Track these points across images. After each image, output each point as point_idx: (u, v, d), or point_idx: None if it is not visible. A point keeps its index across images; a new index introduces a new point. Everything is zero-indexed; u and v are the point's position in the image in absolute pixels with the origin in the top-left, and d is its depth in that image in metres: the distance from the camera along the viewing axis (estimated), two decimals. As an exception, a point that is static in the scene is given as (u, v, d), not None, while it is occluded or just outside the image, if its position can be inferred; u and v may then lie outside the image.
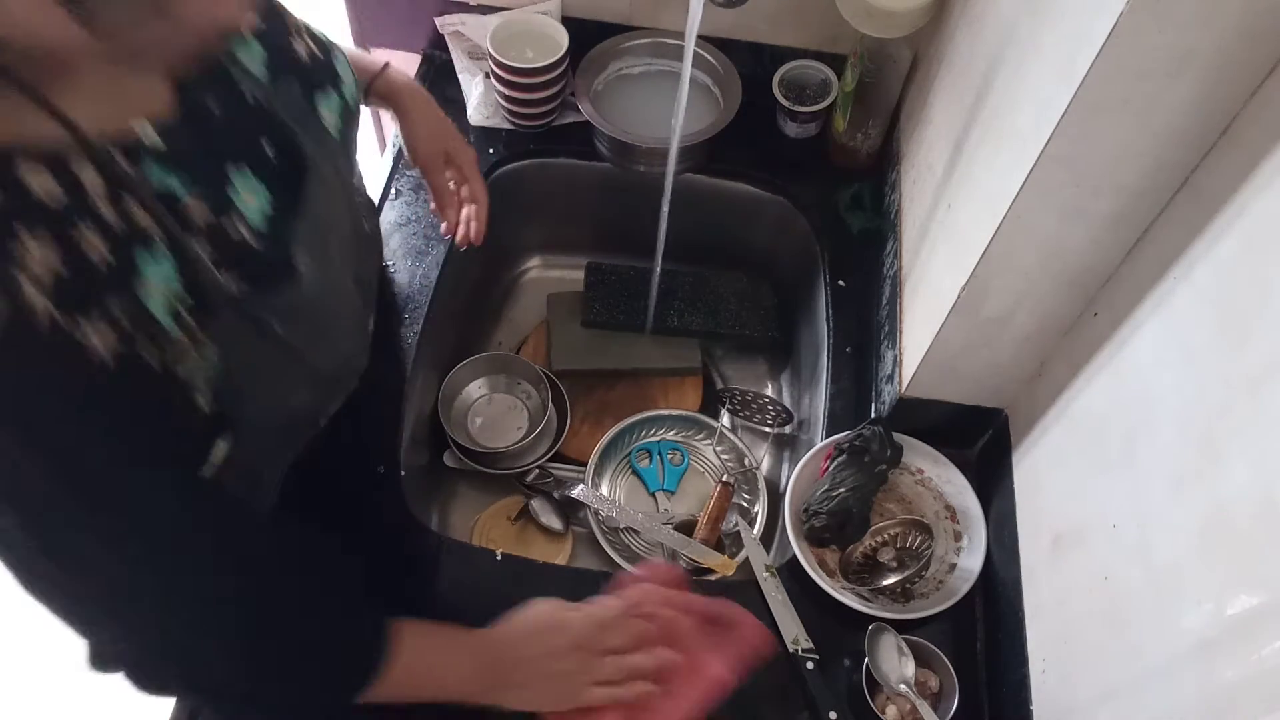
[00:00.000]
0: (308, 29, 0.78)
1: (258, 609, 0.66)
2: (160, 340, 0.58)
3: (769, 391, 1.37)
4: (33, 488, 0.54)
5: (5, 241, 0.51)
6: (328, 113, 0.77)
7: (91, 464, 0.56)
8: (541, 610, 0.77)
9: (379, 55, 1.46)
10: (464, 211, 1.05)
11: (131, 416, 0.57)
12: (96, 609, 0.61)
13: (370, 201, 1.12)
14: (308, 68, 0.75)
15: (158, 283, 0.57)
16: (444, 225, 1.05)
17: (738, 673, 0.77)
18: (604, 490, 1.20)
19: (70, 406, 0.54)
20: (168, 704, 0.85)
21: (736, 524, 1.15)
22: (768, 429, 1.29)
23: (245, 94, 0.68)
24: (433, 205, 1.06)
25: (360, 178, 1.08)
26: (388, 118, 1.63)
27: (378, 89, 0.98)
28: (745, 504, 1.19)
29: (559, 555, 1.15)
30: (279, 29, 0.74)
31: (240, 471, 0.73)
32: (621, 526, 1.16)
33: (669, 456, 1.24)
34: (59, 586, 0.59)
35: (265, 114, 0.69)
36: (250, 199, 0.66)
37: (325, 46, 0.79)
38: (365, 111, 1.63)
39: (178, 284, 0.59)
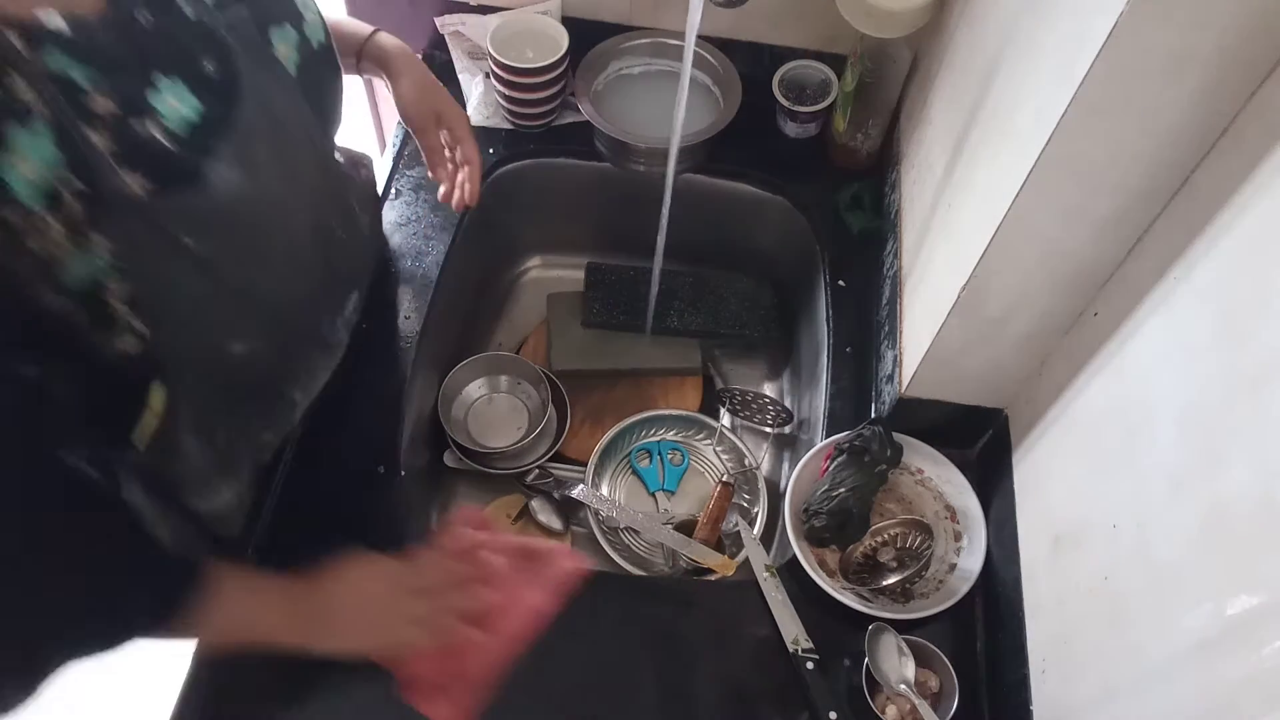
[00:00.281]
0: None
1: (49, 557, 0.64)
2: (15, 221, 0.57)
3: (769, 391, 1.37)
4: None
5: None
6: (283, 46, 0.77)
7: None
8: (356, 559, 0.77)
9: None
10: (459, 175, 1.05)
11: None
12: None
13: (374, 192, 1.11)
14: (262, 0, 0.75)
15: (32, 159, 0.57)
16: (441, 190, 1.05)
17: (554, 601, 0.78)
18: (604, 490, 1.20)
19: None
20: (167, 704, 0.85)
21: (736, 524, 1.15)
22: (768, 429, 1.29)
23: (182, 9, 0.68)
24: (439, 182, 1.06)
25: (367, 165, 1.07)
26: (388, 117, 1.64)
27: (369, 53, 0.99)
28: (745, 504, 1.19)
29: (557, 554, 1.15)
30: None
31: (193, 436, 0.72)
32: (622, 526, 1.16)
33: (669, 456, 1.24)
34: None
35: (206, 32, 0.69)
36: (175, 104, 0.66)
37: None
38: (366, 111, 1.63)
39: (62, 166, 0.58)
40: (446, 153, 1.04)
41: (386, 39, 0.99)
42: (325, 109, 0.86)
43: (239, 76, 0.71)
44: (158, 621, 0.68)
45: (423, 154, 1.05)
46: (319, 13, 0.82)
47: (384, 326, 1.11)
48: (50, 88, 0.58)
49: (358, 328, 1.02)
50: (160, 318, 0.66)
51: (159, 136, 0.64)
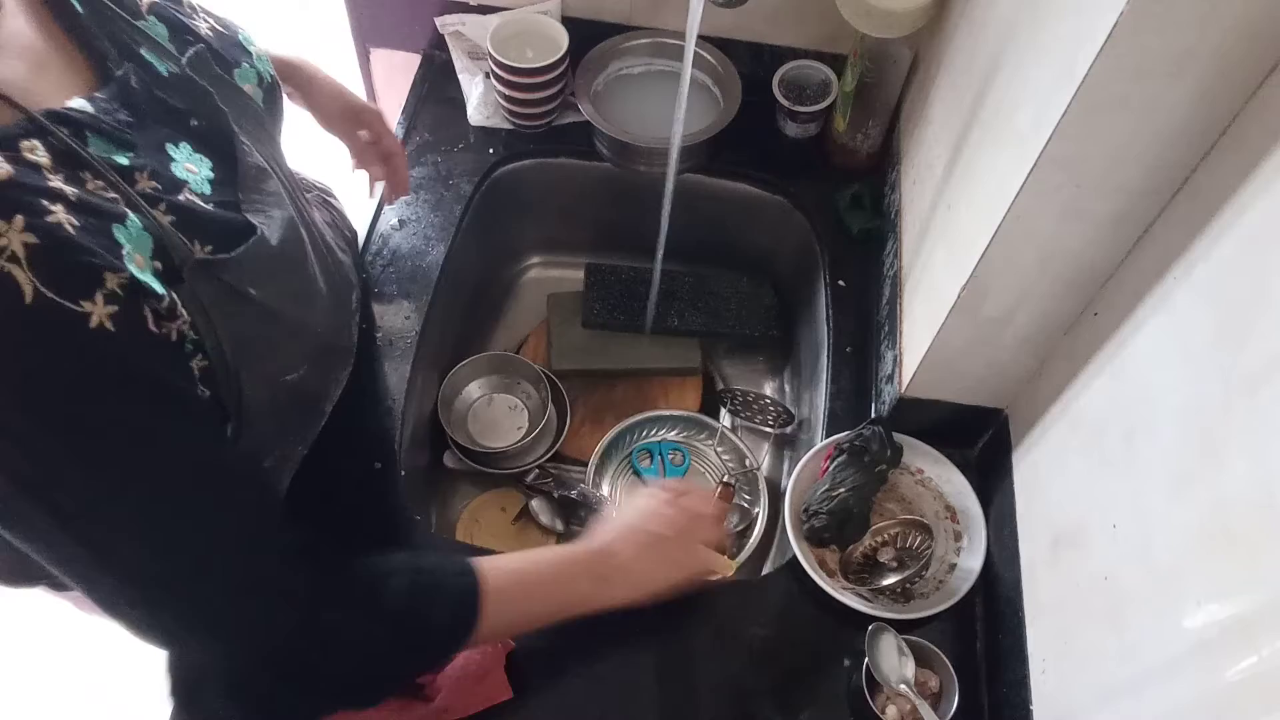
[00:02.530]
0: (204, 9, 0.78)
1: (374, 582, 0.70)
2: (152, 303, 0.57)
3: (769, 392, 1.37)
4: (60, 483, 0.54)
5: None
6: (247, 85, 0.77)
7: (117, 443, 0.55)
8: (630, 510, 0.87)
9: (378, 55, 1.47)
10: (384, 169, 1.08)
11: (143, 381, 0.57)
12: (176, 623, 0.62)
13: (342, 212, 1.13)
14: (214, 43, 0.75)
15: (140, 253, 0.57)
16: (377, 187, 1.10)
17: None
18: (605, 490, 1.20)
19: (79, 378, 0.53)
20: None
21: (738, 524, 1.15)
22: (769, 429, 1.29)
23: (159, 68, 0.68)
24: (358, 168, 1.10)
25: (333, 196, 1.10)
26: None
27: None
28: (746, 504, 1.19)
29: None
30: (175, 5, 0.74)
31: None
32: None
33: (670, 457, 1.24)
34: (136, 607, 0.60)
35: (185, 83, 0.69)
36: (193, 169, 0.66)
37: (226, 24, 0.79)
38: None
39: (150, 249, 0.58)
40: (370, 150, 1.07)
41: (282, 52, 0.98)
42: (278, 136, 0.86)
43: (224, 122, 0.71)
44: (466, 630, 0.72)
45: (350, 153, 1.08)
46: (255, 43, 0.81)
47: (383, 326, 1.11)
48: (113, 175, 0.58)
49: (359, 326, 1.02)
50: (232, 372, 0.65)
51: (198, 202, 0.64)
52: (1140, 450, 0.71)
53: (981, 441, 1.03)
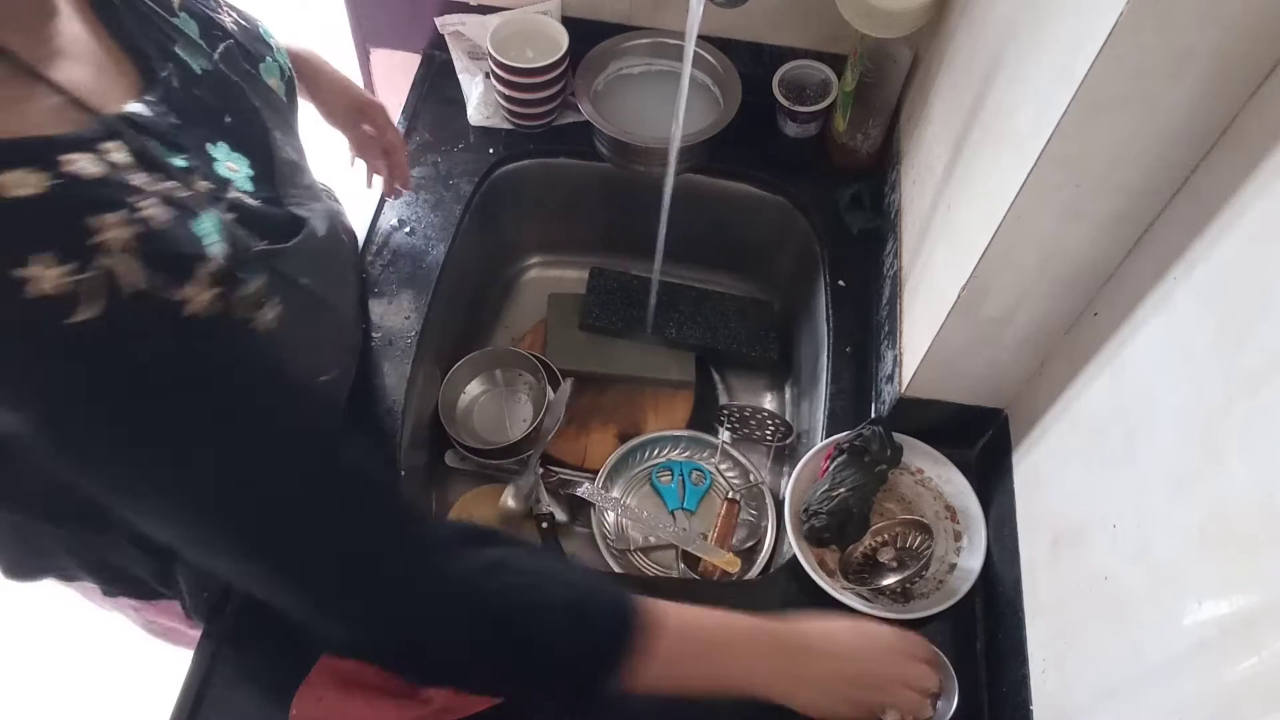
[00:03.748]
0: (226, 2, 0.78)
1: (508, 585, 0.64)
2: (240, 290, 0.58)
3: (769, 396, 1.37)
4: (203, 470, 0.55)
5: (79, 224, 0.51)
6: (271, 80, 0.78)
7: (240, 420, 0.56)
8: (846, 620, 0.77)
9: (378, 55, 1.47)
10: (386, 162, 1.10)
11: (234, 363, 0.58)
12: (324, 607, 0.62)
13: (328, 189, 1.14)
14: (240, 37, 0.76)
15: (219, 243, 0.58)
16: (377, 181, 1.11)
17: None
18: (611, 513, 1.18)
19: (176, 360, 0.54)
20: (167, 701, 0.85)
21: (747, 539, 1.14)
22: (767, 444, 1.28)
23: (193, 66, 0.68)
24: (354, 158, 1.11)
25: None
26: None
27: None
28: (753, 519, 1.18)
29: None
30: (203, 1, 0.74)
31: None
32: (632, 549, 1.14)
33: (691, 476, 1.22)
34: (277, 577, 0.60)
35: (219, 80, 0.69)
36: (234, 168, 0.67)
37: (247, 17, 0.80)
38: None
39: (222, 244, 0.59)
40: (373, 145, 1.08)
41: (291, 43, 0.98)
42: (296, 125, 0.87)
43: (258, 119, 0.71)
44: (618, 652, 0.65)
45: (351, 147, 1.08)
46: (274, 36, 0.82)
47: (383, 326, 1.11)
48: (181, 174, 0.59)
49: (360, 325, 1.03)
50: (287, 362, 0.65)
51: (246, 199, 0.65)
52: (1140, 450, 0.71)
53: (981, 441, 1.03)
